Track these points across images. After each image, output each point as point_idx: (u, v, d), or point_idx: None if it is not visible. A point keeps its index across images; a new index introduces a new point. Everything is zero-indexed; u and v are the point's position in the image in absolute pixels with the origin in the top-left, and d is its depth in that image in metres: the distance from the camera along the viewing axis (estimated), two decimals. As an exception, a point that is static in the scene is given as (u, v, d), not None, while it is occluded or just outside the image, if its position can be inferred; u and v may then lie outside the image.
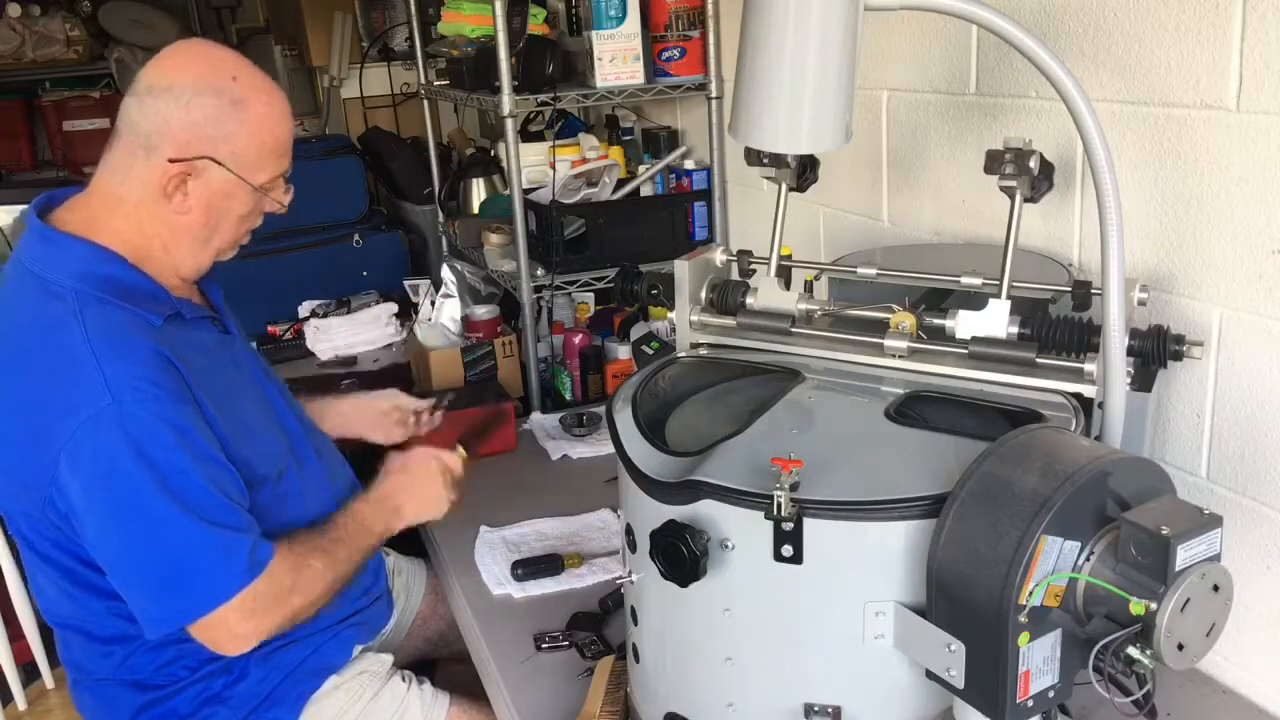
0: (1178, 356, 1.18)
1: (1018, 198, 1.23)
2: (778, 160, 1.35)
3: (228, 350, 1.53)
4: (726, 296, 1.42)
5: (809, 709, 1.07)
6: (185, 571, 1.34)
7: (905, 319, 1.30)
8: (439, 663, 1.89)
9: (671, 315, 1.44)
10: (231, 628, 1.36)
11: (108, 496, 1.32)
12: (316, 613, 1.46)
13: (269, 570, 1.36)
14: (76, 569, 1.42)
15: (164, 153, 1.39)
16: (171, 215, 1.42)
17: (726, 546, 1.05)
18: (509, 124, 2.32)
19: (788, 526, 1.00)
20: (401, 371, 2.70)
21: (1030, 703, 0.95)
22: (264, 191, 1.47)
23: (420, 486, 1.62)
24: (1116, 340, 1.12)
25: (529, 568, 1.68)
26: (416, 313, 2.76)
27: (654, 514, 1.09)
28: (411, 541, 1.96)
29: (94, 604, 1.44)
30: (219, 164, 1.41)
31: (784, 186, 1.41)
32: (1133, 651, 0.90)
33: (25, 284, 1.40)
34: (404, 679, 1.63)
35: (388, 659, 1.66)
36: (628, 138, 2.84)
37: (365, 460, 1.73)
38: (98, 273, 1.39)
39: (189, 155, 1.40)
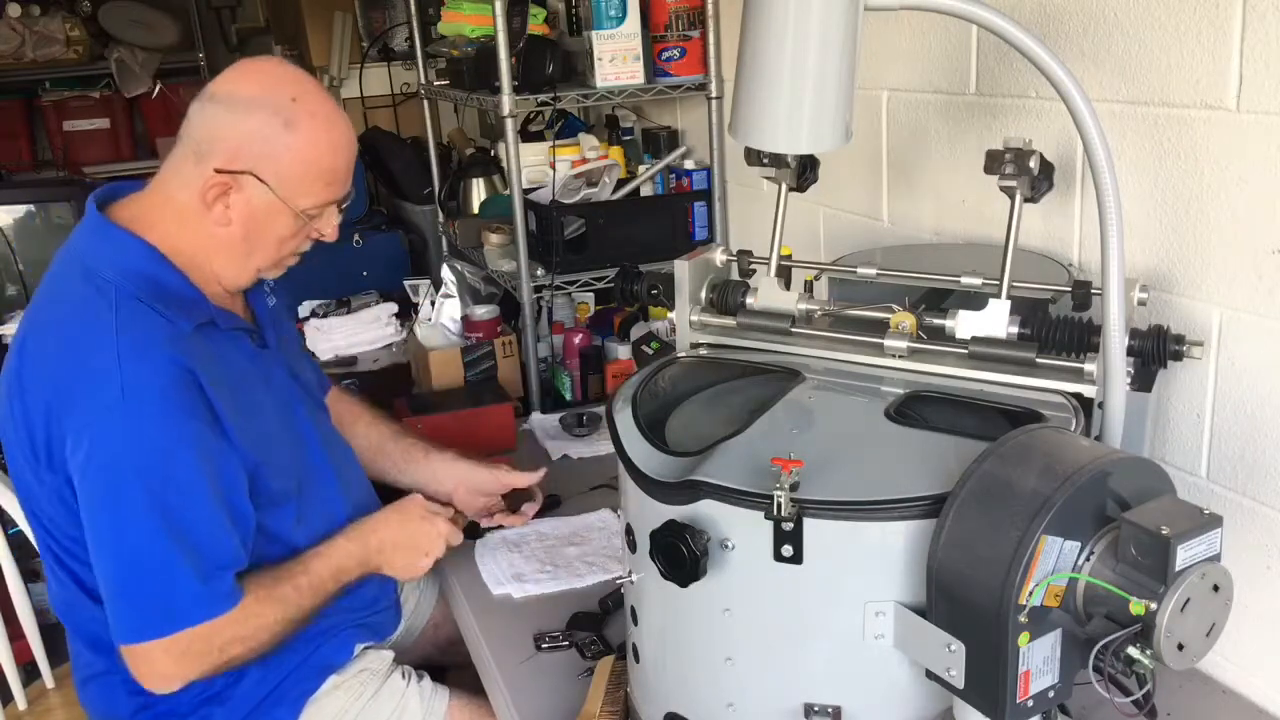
0: (1178, 356, 1.18)
1: (1018, 198, 1.23)
2: (778, 160, 1.35)
3: (259, 364, 1.52)
4: (726, 296, 1.42)
5: (809, 709, 1.07)
6: (137, 590, 1.34)
7: (905, 319, 1.30)
8: (448, 670, 1.88)
9: (671, 315, 1.44)
10: (155, 664, 1.36)
11: (96, 489, 1.34)
12: (255, 657, 1.43)
13: (223, 617, 1.36)
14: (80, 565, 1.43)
15: (212, 161, 1.40)
16: (212, 225, 1.43)
17: (726, 546, 1.05)
18: (509, 124, 2.32)
19: (788, 526, 1.00)
20: (401, 372, 2.70)
21: (1030, 703, 0.95)
22: (307, 218, 1.46)
23: (410, 542, 1.57)
24: (1116, 340, 1.12)
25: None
26: (416, 313, 2.76)
27: (654, 514, 1.09)
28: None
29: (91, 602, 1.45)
30: (262, 181, 1.40)
31: (784, 186, 1.41)
32: (1133, 651, 0.90)
33: (73, 272, 1.43)
34: (404, 676, 1.63)
35: (388, 655, 1.65)
36: (628, 138, 2.84)
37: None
38: (143, 271, 1.41)
39: (233, 168, 1.40)
